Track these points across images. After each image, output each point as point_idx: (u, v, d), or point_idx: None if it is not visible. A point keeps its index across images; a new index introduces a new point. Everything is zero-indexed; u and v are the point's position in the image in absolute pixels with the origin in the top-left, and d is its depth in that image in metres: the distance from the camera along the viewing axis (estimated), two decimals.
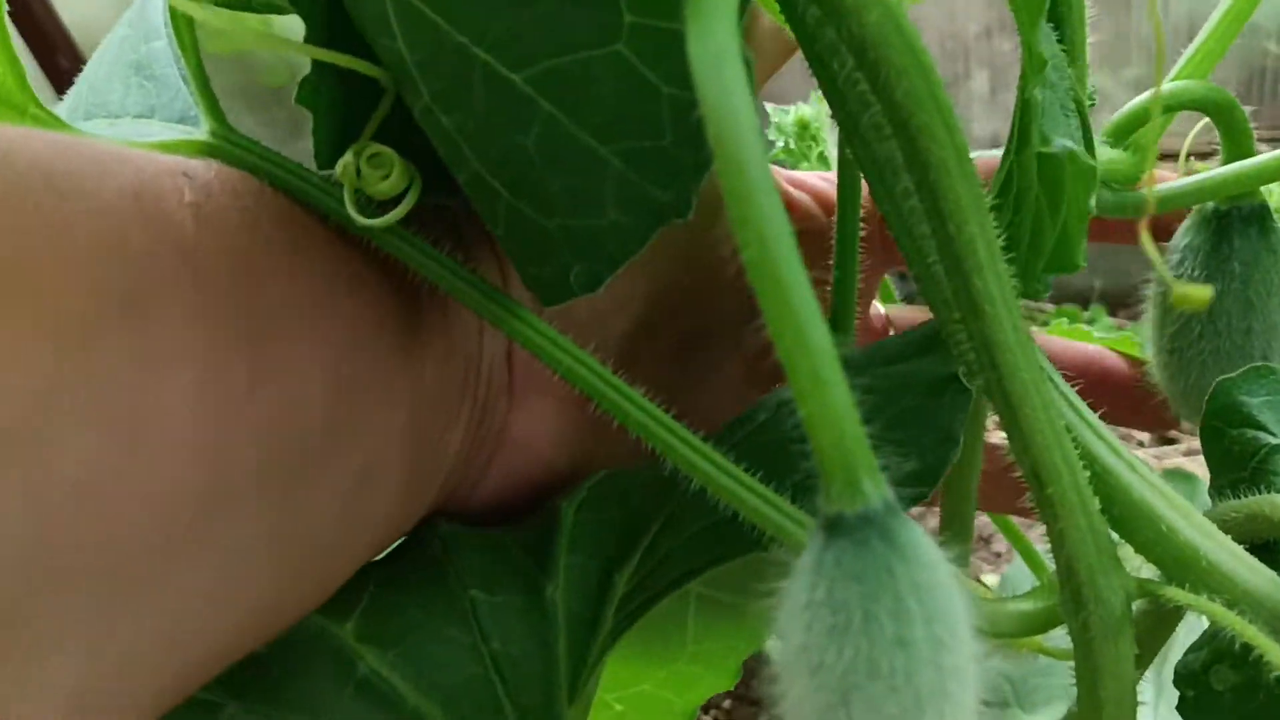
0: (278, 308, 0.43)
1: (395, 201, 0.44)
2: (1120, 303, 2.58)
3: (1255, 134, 0.64)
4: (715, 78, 0.29)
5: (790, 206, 0.71)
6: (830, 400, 0.29)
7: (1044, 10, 0.42)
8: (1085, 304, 2.58)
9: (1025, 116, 0.46)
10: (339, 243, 0.47)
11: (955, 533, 0.62)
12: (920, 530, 0.30)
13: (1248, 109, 0.64)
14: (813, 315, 0.29)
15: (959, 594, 0.30)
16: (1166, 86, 0.62)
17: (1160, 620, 0.49)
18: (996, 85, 2.68)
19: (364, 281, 0.47)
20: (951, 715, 0.30)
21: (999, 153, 0.50)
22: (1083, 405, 0.47)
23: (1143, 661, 0.49)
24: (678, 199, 0.40)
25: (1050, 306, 2.51)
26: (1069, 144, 0.44)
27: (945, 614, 0.30)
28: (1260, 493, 0.50)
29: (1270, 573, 0.43)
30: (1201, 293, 0.33)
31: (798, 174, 0.74)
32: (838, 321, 0.62)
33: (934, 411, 0.50)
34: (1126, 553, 0.47)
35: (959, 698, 0.30)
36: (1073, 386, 0.50)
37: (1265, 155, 0.63)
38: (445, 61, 0.40)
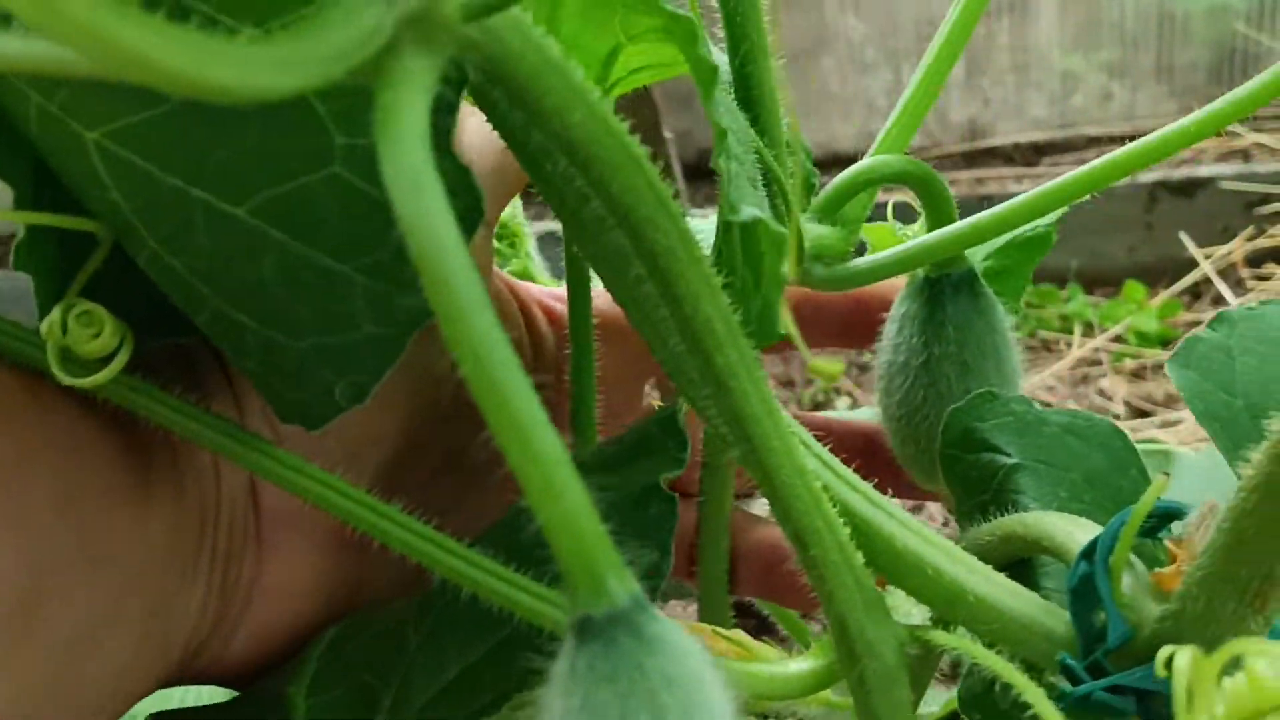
0: None
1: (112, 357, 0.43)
2: (1096, 281, 2.67)
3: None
4: (412, 199, 0.29)
5: (525, 310, 0.71)
6: (565, 506, 0.29)
7: (715, 81, 0.43)
8: (1062, 283, 2.67)
9: (721, 186, 0.47)
10: (49, 397, 0.45)
11: (711, 615, 0.62)
12: (669, 622, 0.31)
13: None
14: (537, 424, 0.29)
15: (714, 680, 0.30)
16: (866, 162, 0.64)
17: (927, 657, 0.51)
18: (972, 70, 2.74)
19: (76, 436, 0.45)
20: None
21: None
22: (838, 464, 0.49)
23: (917, 693, 0.50)
24: (415, 300, 0.40)
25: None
26: (756, 213, 0.45)
27: (701, 703, 0.30)
28: (1005, 511, 0.52)
29: (1032, 595, 0.45)
30: (832, 368, 0.35)
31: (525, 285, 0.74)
32: (578, 423, 0.62)
33: (643, 524, 0.50)
34: (900, 598, 0.48)
35: None
36: (851, 462, 0.51)
37: (964, 221, 0.64)
38: (164, 206, 0.39)
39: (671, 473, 0.51)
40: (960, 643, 0.43)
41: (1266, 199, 2.55)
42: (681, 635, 0.30)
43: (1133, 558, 0.42)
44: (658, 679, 0.29)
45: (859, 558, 0.44)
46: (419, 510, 0.45)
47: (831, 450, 0.50)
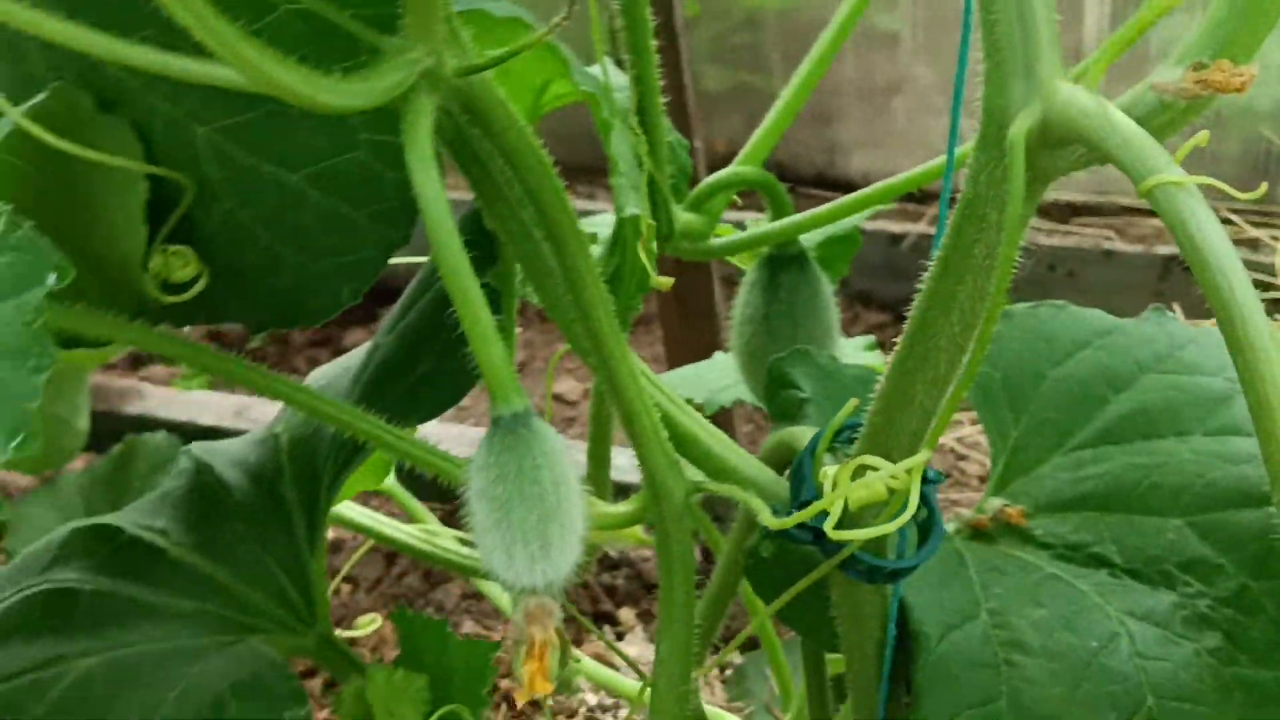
0: None
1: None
2: None
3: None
4: (421, 173, 0.53)
5: None
6: (493, 351, 0.53)
7: (609, 126, 0.68)
8: None
9: (615, 196, 0.71)
10: None
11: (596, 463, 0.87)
12: (550, 428, 0.54)
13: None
14: (481, 305, 0.53)
15: (570, 464, 0.54)
16: (724, 171, 0.90)
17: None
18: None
19: None
20: (566, 524, 0.53)
21: None
22: (659, 380, 0.73)
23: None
24: (400, 236, 0.64)
25: None
26: (634, 211, 0.70)
27: (563, 470, 0.54)
28: None
29: (771, 472, 0.70)
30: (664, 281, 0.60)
31: None
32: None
33: None
34: (691, 471, 0.72)
35: (571, 514, 0.54)
36: None
37: (798, 215, 0.92)
38: (244, 176, 0.62)
39: None
40: (720, 487, 0.67)
41: (1269, 287, 2.81)
42: (557, 438, 0.54)
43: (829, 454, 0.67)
44: (539, 452, 0.53)
45: (664, 434, 0.68)
46: None
47: None
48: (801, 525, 0.64)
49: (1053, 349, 0.85)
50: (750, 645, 1.56)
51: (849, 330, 2.67)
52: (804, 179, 2.28)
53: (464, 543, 1.08)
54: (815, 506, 0.62)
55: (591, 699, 1.54)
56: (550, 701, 1.48)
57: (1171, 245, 2.75)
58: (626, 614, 1.66)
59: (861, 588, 0.70)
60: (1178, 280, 2.53)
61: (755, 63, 2.15)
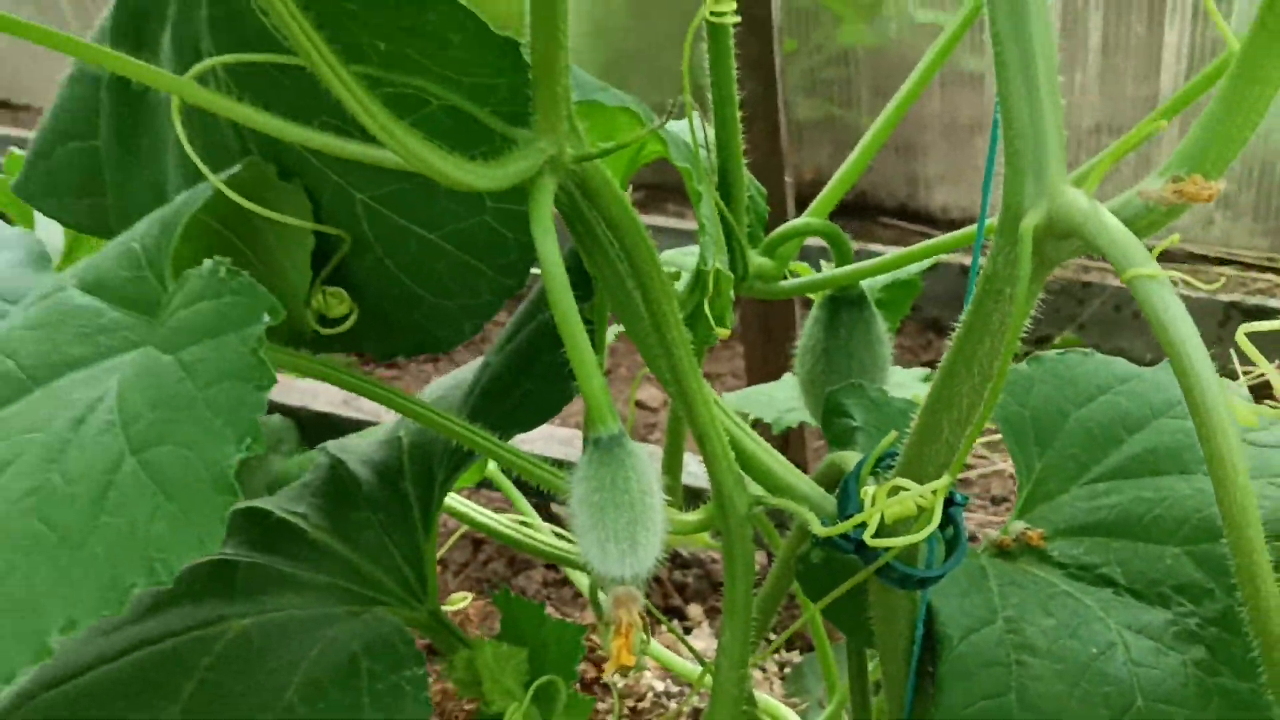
0: None
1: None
2: None
3: None
4: (542, 240, 0.66)
5: None
6: (595, 383, 0.66)
7: (699, 196, 0.81)
8: None
9: (700, 250, 0.84)
10: None
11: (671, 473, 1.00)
12: (638, 446, 0.67)
13: None
14: (584, 341, 0.66)
15: (654, 477, 0.67)
16: (794, 222, 1.02)
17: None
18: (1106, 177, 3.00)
19: None
20: (650, 527, 0.66)
21: None
22: (726, 407, 0.85)
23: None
24: (516, 284, 0.77)
25: None
26: (716, 265, 0.83)
27: (648, 482, 0.67)
28: None
29: (821, 490, 0.83)
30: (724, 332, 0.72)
31: None
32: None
33: None
34: (753, 487, 0.85)
35: (654, 519, 0.67)
36: None
37: (859, 264, 1.04)
38: (394, 233, 0.76)
39: None
40: (778, 501, 0.80)
41: None
42: (644, 457, 0.67)
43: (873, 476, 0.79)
44: (630, 467, 0.66)
45: (731, 455, 0.81)
46: None
47: None
48: (845, 536, 0.76)
49: (1077, 392, 0.96)
50: (808, 647, 1.68)
51: (921, 355, 2.79)
52: (886, 209, 2.39)
53: (555, 534, 1.22)
54: (856, 519, 0.74)
55: (659, 685, 1.67)
56: (620, 684, 1.61)
57: (1233, 294, 2.83)
58: (695, 610, 1.79)
59: (895, 593, 0.82)
60: (1235, 326, 2.61)
61: (845, 96, 2.26)
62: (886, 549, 0.75)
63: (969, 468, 1.89)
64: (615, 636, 0.66)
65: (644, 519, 0.66)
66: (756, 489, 0.84)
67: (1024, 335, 0.66)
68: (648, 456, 0.68)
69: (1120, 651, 0.82)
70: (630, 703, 1.64)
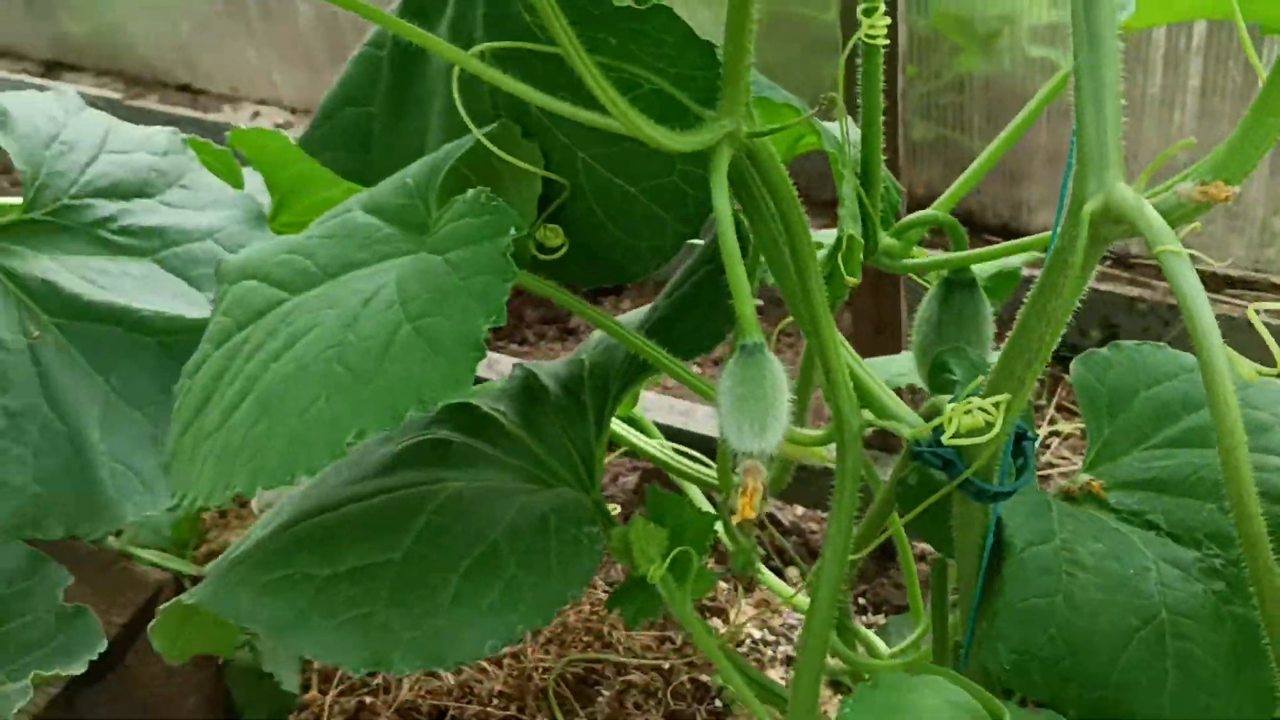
0: None
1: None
2: None
3: None
4: (719, 198, 0.88)
5: None
6: (747, 307, 0.88)
7: (841, 176, 1.02)
8: None
9: (840, 222, 1.06)
10: None
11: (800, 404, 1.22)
12: (774, 356, 0.89)
13: None
14: (743, 279, 0.88)
15: (785, 381, 0.89)
16: (927, 211, 1.23)
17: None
18: None
19: None
20: (777, 416, 0.88)
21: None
22: (850, 349, 1.06)
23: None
24: (692, 232, 1.00)
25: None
26: (854, 234, 1.04)
27: (780, 383, 0.88)
28: None
29: (914, 414, 1.03)
30: (853, 281, 0.94)
31: None
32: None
33: None
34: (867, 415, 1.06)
35: (781, 412, 0.88)
36: None
37: (974, 250, 1.24)
38: (604, 185, 1.00)
39: None
40: (884, 423, 1.01)
41: None
42: (776, 360, 0.89)
43: None
44: (766, 370, 0.88)
45: (850, 384, 1.02)
46: None
47: None
48: (935, 453, 0.97)
49: (1148, 375, 1.14)
50: (893, 609, 1.87)
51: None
52: (990, 228, 2.52)
53: (686, 457, 1.44)
54: (936, 420, 0.95)
55: (756, 634, 1.87)
56: (722, 630, 1.82)
57: None
58: (792, 572, 1.99)
59: (972, 506, 1.02)
60: None
61: (958, 120, 2.41)
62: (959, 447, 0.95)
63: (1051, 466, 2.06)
64: (741, 496, 0.88)
65: (774, 409, 0.88)
66: (869, 417, 1.05)
67: None
68: (779, 364, 0.89)
69: (1153, 574, 1.00)
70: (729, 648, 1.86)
